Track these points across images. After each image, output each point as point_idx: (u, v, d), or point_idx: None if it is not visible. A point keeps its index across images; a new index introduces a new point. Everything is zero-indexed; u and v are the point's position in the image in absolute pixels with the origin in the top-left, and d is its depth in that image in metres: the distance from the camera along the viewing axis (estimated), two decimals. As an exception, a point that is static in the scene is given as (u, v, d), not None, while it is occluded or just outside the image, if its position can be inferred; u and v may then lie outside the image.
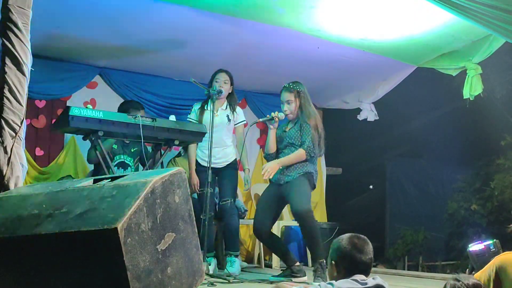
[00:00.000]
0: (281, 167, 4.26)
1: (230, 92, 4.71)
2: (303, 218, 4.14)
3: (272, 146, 4.39)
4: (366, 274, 2.26)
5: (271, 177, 4.25)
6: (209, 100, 4.49)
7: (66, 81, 5.49)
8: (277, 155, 4.38)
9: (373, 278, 2.26)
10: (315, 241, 4.16)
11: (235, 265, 4.45)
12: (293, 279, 4.10)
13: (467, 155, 7.41)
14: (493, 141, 6.74)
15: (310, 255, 5.81)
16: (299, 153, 4.23)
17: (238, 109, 4.78)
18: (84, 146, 5.02)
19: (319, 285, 2.27)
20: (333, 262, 2.35)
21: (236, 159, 4.72)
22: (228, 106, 4.71)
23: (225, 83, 4.62)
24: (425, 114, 7.92)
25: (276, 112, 4.36)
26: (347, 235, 2.35)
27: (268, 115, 4.39)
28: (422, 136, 8.09)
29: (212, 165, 4.46)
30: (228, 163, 4.67)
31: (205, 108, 4.65)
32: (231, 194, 4.58)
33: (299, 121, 4.32)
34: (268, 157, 4.44)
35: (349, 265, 2.28)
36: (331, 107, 6.83)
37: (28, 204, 2.13)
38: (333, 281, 2.23)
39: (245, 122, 4.85)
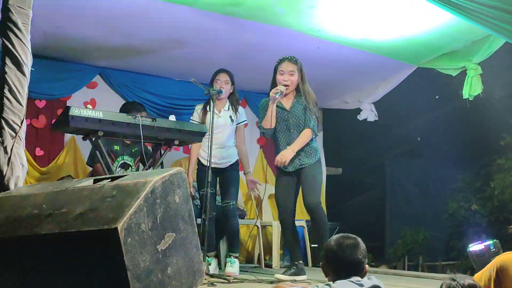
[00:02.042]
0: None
1: (231, 92, 4.66)
2: (315, 211, 4.18)
3: (273, 121, 4.28)
4: (358, 274, 2.25)
5: (286, 164, 4.19)
6: (211, 101, 4.41)
7: (66, 81, 5.50)
8: (275, 133, 4.31)
9: (368, 278, 2.25)
10: (325, 235, 4.10)
11: (235, 265, 4.45)
12: (294, 279, 4.09)
13: (467, 155, 7.41)
14: (493, 141, 6.74)
15: (310, 255, 5.85)
16: (307, 135, 4.21)
17: (240, 108, 4.73)
18: (84, 146, 5.02)
19: (316, 286, 2.27)
20: (322, 262, 2.37)
21: (237, 159, 4.72)
22: (230, 107, 4.66)
23: (226, 83, 4.57)
24: (425, 114, 7.92)
25: (281, 86, 4.23)
26: (336, 235, 2.35)
27: (278, 91, 4.22)
28: (422, 136, 8.09)
29: (215, 166, 4.45)
30: (231, 163, 4.64)
31: (207, 109, 4.55)
32: (233, 196, 4.57)
33: (301, 98, 4.26)
34: (266, 132, 4.32)
35: (335, 264, 2.28)
36: (331, 107, 6.82)
37: (28, 204, 2.13)
38: (331, 282, 2.23)
39: (246, 122, 4.84)
